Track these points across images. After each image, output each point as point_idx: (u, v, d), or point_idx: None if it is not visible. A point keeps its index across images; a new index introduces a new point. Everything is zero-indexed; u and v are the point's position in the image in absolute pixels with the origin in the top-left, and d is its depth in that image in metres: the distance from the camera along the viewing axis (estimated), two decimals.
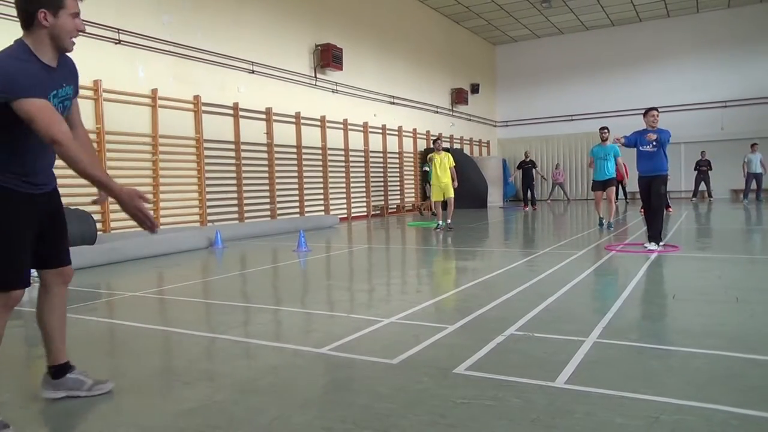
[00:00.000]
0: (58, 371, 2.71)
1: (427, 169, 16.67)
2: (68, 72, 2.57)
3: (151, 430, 2.40)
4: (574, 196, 23.81)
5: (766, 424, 2.27)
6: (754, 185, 17.59)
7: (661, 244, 7.48)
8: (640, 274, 5.83)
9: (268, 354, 3.44)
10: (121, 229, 9.44)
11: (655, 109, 7.66)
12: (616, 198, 12.04)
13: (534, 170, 17.94)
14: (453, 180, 11.42)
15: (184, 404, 2.66)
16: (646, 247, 7.37)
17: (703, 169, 19.01)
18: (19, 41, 2.39)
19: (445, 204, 11.57)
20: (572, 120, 23.94)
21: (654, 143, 7.42)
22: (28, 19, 2.35)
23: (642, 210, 13.73)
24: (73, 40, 2.47)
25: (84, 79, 8.95)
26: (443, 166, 11.34)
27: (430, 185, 16.43)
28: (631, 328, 3.80)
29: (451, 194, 11.41)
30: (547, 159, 24.40)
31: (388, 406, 2.56)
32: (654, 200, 7.51)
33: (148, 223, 2.36)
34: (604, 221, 10.58)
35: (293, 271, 7.13)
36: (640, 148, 7.59)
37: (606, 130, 10.46)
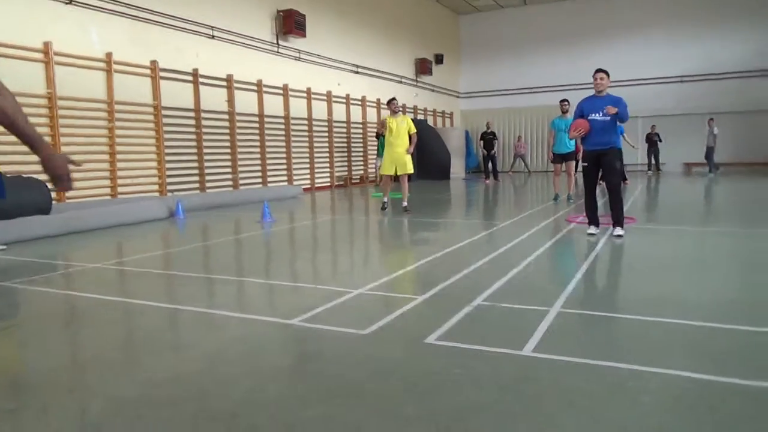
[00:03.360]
0: None
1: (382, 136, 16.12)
2: None
3: (121, 400, 2.36)
4: (534, 168, 24.18)
5: (721, 387, 2.39)
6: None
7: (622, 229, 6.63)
8: (600, 245, 5.99)
9: (236, 325, 3.42)
10: (78, 198, 9.15)
11: (602, 71, 6.58)
12: (576, 171, 11.97)
13: (494, 141, 18.07)
14: (409, 146, 9.34)
15: (152, 375, 2.63)
16: (613, 234, 6.46)
17: (653, 140, 19.62)
18: None
19: (395, 179, 9.70)
20: (534, 92, 24.13)
21: (604, 112, 6.26)
22: None
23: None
24: None
25: (34, 40, 8.63)
26: (399, 132, 9.23)
27: (380, 156, 15.96)
28: (592, 298, 3.93)
29: (408, 170, 9.32)
30: (509, 131, 24.62)
31: (360, 375, 2.59)
32: (610, 177, 6.51)
33: (66, 185, 2.12)
34: (561, 195, 10.76)
35: (258, 242, 7.06)
36: (590, 117, 6.43)
37: (566, 103, 10.60)
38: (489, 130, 18.15)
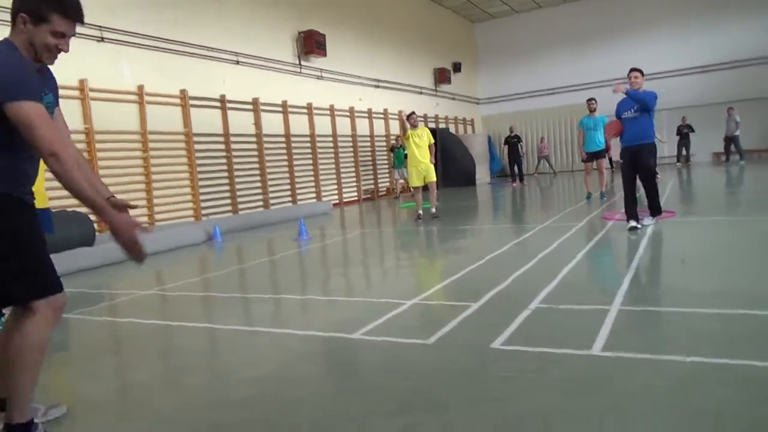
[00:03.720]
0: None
1: (399, 148, 16.46)
2: (48, 79, 2.39)
3: (206, 419, 2.43)
4: (559, 169, 24.00)
5: None
6: (733, 148, 18.12)
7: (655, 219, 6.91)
8: (644, 241, 5.95)
9: (300, 342, 3.48)
10: None
11: (636, 69, 6.76)
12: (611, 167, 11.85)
13: (519, 145, 18.03)
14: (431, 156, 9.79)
15: (225, 395, 2.70)
16: (643, 225, 6.67)
17: (684, 132, 19.42)
18: (7, 41, 2.22)
19: (425, 188, 10.00)
20: (554, 93, 24.02)
21: (635, 108, 6.57)
22: (13, 19, 2.21)
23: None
24: (52, 58, 2.28)
25: (69, 78, 8.90)
26: (422, 144, 9.65)
27: (401, 168, 16.23)
28: (650, 295, 3.91)
29: (434, 178, 9.77)
30: (531, 133, 24.50)
31: (435, 384, 2.63)
32: (643, 175, 6.66)
33: (139, 256, 2.20)
34: (593, 194, 10.72)
35: (300, 259, 7.15)
36: (622, 116, 6.77)
37: (594, 101, 10.55)
38: (513, 134, 18.09)
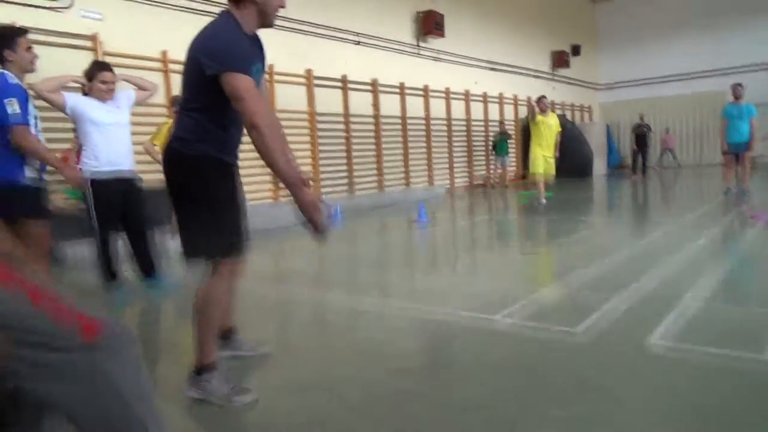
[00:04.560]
0: (225, 335, 2.87)
1: (500, 137, 15.81)
2: (259, 49, 2.56)
3: (371, 387, 2.51)
4: (685, 162, 22.37)
5: None
6: None
7: None
8: None
9: (445, 321, 3.49)
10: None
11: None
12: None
13: (649, 134, 17.01)
14: (555, 150, 9.36)
15: (388, 366, 2.76)
16: None
17: None
18: (226, 14, 2.39)
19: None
20: (682, 80, 22.31)
21: None
22: None
23: None
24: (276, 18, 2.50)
25: None
26: (551, 132, 9.16)
27: (498, 155, 15.44)
28: None
29: (553, 172, 9.39)
30: (655, 123, 22.95)
31: (599, 375, 2.54)
32: None
33: (317, 231, 2.33)
34: (733, 189, 9.88)
35: (425, 241, 7.19)
36: None
37: (740, 86, 9.62)
38: (643, 122, 17.04)
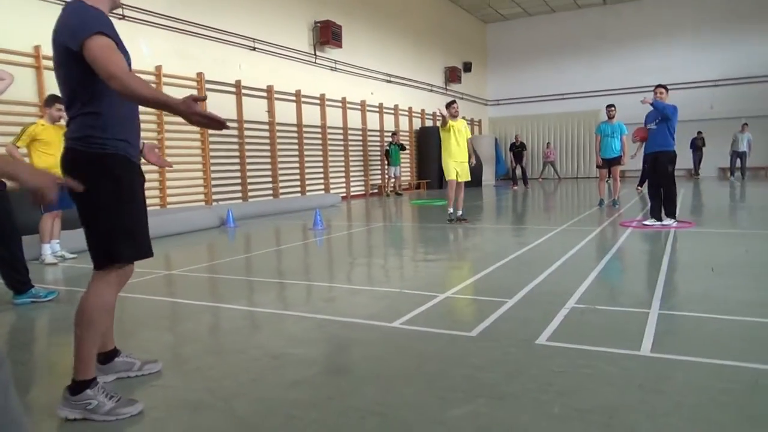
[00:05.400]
0: (107, 357, 2.68)
1: (388, 148, 16.28)
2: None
3: (265, 401, 2.41)
4: (564, 175, 24.04)
5: None
6: (738, 164, 18.28)
7: (675, 220, 7.63)
8: (668, 249, 5.96)
9: (342, 329, 3.46)
10: None
11: (661, 86, 7.78)
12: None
13: (524, 152, 18.41)
14: (470, 156, 9.03)
15: (284, 378, 2.68)
16: (662, 223, 7.50)
17: (698, 145, 19.58)
18: (80, 1, 2.25)
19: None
20: (562, 99, 24.05)
21: (657, 121, 7.53)
22: None
23: (638, 187, 14.05)
24: None
25: None
26: (463, 137, 8.79)
27: (392, 165, 15.91)
28: (687, 300, 3.90)
29: (468, 177, 9.01)
30: (537, 138, 24.54)
31: (491, 375, 2.61)
32: (662, 181, 7.54)
33: (215, 122, 2.09)
34: (606, 200, 10.80)
35: (321, 248, 7.12)
36: (647, 125, 7.76)
37: (613, 108, 10.54)
38: (518, 143, 18.42)
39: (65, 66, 2.22)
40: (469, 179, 8.96)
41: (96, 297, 2.31)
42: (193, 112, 2.04)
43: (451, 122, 8.68)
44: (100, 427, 2.23)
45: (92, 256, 2.34)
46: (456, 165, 8.74)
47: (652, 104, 7.49)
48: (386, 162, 16.64)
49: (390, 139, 16.74)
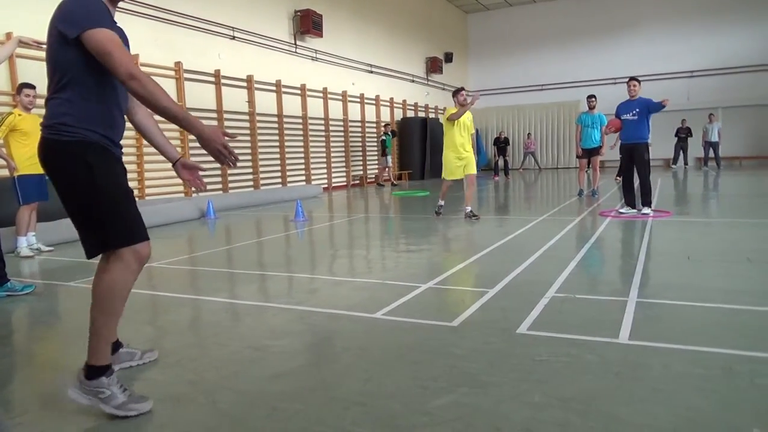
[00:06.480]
0: (113, 349, 2.58)
1: (384, 138, 16.39)
2: (122, 31, 2.40)
3: (248, 393, 2.41)
4: (544, 165, 24.21)
5: None
6: (711, 153, 18.60)
7: (651, 209, 7.75)
8: (646, 238, 6.05)
9: (326, 320, 3.46)
10: None
11: (634, 78, 7.95)
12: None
13: (507, 147, 18.82)
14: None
15: (267, 370, 2.67)
16: (641, 212, 7.61)
17: (682, 136, 19.75)
18: None
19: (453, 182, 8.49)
20: (543, 90, 24.20)
21: (635, 112, 7.73)
22: None
23: (617, 177, 14.22)
24: None
25: None
26: (467, 131, 8.10)
27: (387, 155, 16.12)
28: (664, 288, 3.97)
29: (474, 170, 8.16)
30: (518, 128, 24.65)
31: (473, 365, 2.64)
32: (640, 168, 7.81)
33: (230, 159, 2.20)
34: (586, 190, 10.92)
35: (302, 239, 7.10)
36: (622, 117, 7.89)
37: (594, 99, 10.63)
38: (502, 138, 18.61)
39: (57, 50, 2.19)
40: (475, 172, 8.19)
41: (113, 279, 2.23)
42: (222, 142, 2.14)
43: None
44: (83, 420, 2.20)
45: (86, 244, 2.27)
46: (457, 160, 8.09)
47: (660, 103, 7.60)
48: (383, 152, 16.61)
49: (384, 129, 16.85)
